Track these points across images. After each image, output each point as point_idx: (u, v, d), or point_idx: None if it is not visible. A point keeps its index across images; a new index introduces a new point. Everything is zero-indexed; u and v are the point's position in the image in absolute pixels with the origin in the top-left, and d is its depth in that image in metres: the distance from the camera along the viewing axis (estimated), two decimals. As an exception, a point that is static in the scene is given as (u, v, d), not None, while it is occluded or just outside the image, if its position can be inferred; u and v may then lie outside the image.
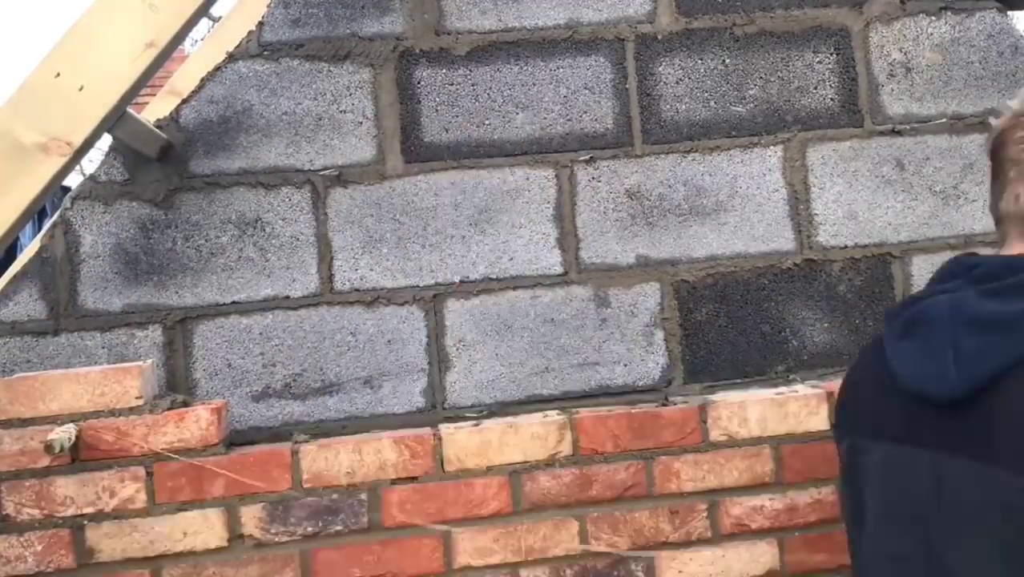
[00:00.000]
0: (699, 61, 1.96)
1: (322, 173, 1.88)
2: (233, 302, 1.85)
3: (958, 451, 1.05)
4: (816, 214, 1.97)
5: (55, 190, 1.72)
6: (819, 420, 1.75)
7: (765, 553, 1.73)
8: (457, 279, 1.90)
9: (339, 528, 1.64)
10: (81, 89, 1.63)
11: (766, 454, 1.74)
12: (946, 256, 1.99)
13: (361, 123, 1.89)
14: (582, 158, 1.93)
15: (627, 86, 1.95)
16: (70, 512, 1.58)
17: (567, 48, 1.94)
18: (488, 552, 1.67)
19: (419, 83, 1.90)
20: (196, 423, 1.61)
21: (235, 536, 1.62)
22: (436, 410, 1.87)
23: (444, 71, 1.91)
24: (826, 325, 1.96)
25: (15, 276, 1.86)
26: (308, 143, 1.88)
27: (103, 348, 1.81)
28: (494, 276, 1.91)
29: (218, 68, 1.87)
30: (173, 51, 1.73)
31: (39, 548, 1.57)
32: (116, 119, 1.68)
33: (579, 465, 1.70)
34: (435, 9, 1.91)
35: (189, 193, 1.85)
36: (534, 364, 1.89)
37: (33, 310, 1.80)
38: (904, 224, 1.99)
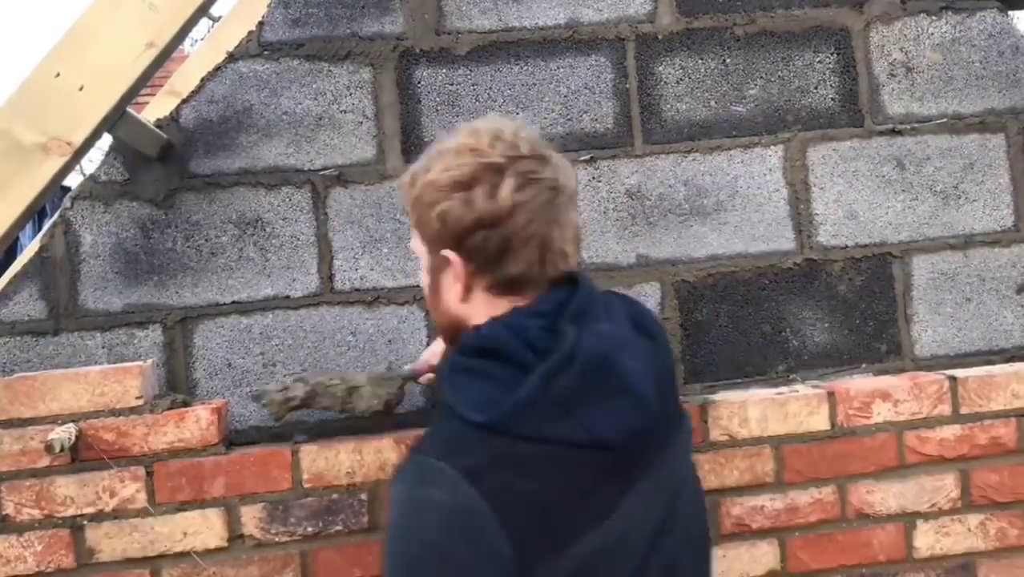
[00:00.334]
0: (699, 61, 1.96)
1: (322, 173, 1.88)
2: (233, 302, 1.85)
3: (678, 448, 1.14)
4: (816, 214, 1.97)
5: (55, 190, 1.72)
6: (820, 420, 1.75)
7: (765, 553, 1.73)
8: (457, 279, 1.89)
9: (339, 528, 1.64)
10: (81, 89, 1.63)
11: (767, 454, 1.74)
12: (946, 256, 1.99)
13: (361, 123, 1.89)
14: (582, 158, 1.92)
15: (627, 86, 1.95)
16: (70, 512, 1.58)
17: (567, 48, 1.94)
18: (488, 552, 1.67)
19: (419, 83, 1.90)
20: (196, 423, 1.61)
21: (235, 536, 1.62)
22: (436, 409, 1.87)
23: (444, 71, 1.91)
24: (826, 325, 1.96)
25: (15, 276, 1.86)
26: (308, 143, 1.88)
27: (103, 348, 1.81)
28: (494, 276, 1.90)
29: (218, 68, 1.87)
30: (173, 51, 1.73)
31: (39, 548, 1.57)
32: (116, 119, 1.68)
33: (579, 465, 1.70)
34: (435, 9, 1.91)
35: (189, 193, 1.85)
36: (534, 364, 1.89)
37: (33, 310, 1.80)
38: (904, 224, 1.99)
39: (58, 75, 1.64)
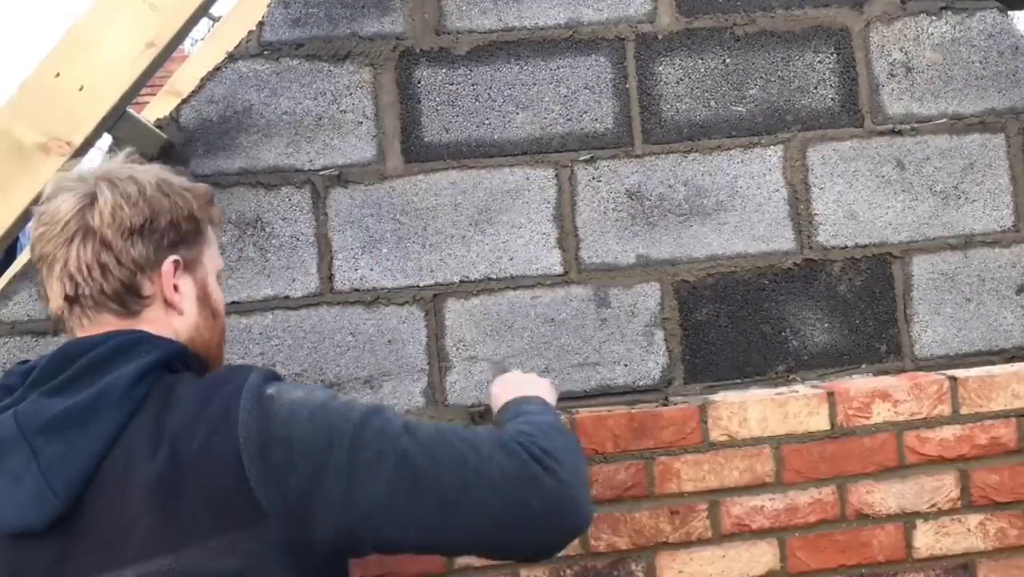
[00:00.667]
0: (699, 61, 1.96)
1: (322, 173, 1.88)
2: (233, 302, 1.85)
3: (86, 573, 0.89)
4: (816, 214, 1.97)
5: (55, 190, 1.71)
6: (819, 420, 1.75)
7: (765, 553, 1.73)
8: (457, 279, 1.90)
9: (339, 528, 1.64)
10: (81, 89, 1.63)
11: (766, 454, 1.74)
12: (946, 256, 1.99)
13: (361, 123, 1.89)
14: (582, 158, 1.92)
15: (627, 86, 1.95)
16: (70, 512, 1.58)
17: (567, 48, 1.94)
18: (488, 552, 1.67)
19: (419, 83, 1.90)
20: (196, 423, 1.61)
21: (235, 536, 1.62)
22: (436, 409, 1.87)
23: (444, 71, 1.91)
24: (826, 325, 1.96)
25: (15, 276, 1.86)
26: (308, 143, 1.88)
27: (103, 348, 1.81)
28: (494, 276, 1.91)
29: (218, 68, 1.87)
30: (173, 51, 1.73)
31: (39, 548, 1.57)
32: (116, 119, 1.68)
33: (579, 465, 1.70)
34: (435, 9, 1.91)
35: (189, 193, 1.84)
36: (534, 364, 1.89)
37: (33, 310, 1.80)
38: (904, 224, 1.99)
39: (58, 75, 1.64)
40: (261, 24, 1.88)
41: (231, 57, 1.87)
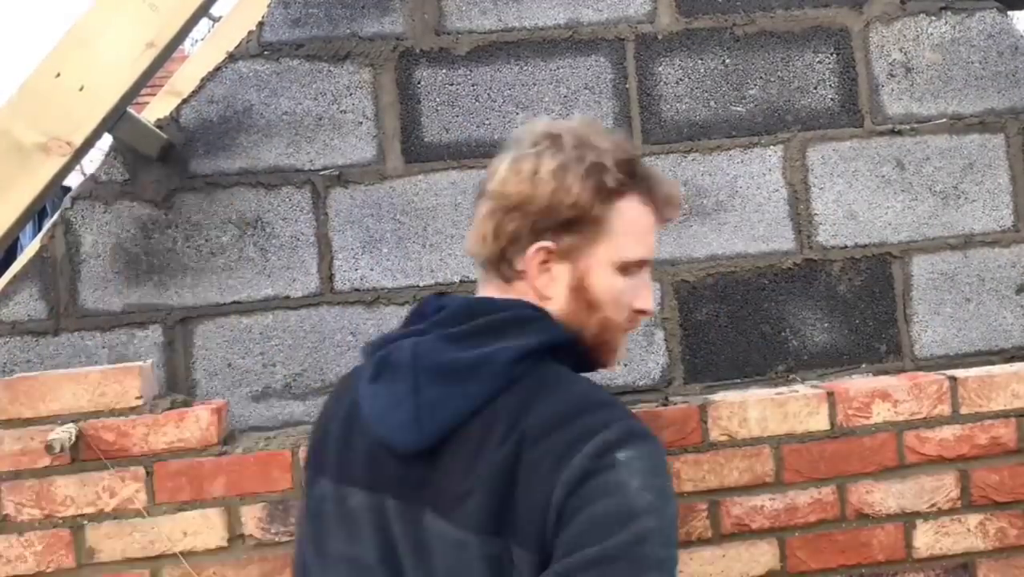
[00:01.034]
0: (699, 61, 1.96)
1: (322, 173, 1.88)
2: (233, 302, 1.85)
3: (423, 504, 0.98)
4: (816, 214, 1.97)
5: (55, 190, 1.72)
6: (819, 420, 1.75)
7: (765, 553, 1.73)
8: (457, 279, 1.90)
9: (339, 528, 1.64)
10: (81, 89, 1.63)
11: (766, 454, 1.74)
12: (946, 256, 1.99)
13: (361, 123, 1.89)
14: (582, 158, 1.92)
15: (627, 86, 1.95)
16: (70, 512, 1.58)
17: (567, 48, 1.94)
18: (488, 552, 1.67)
19: (419, 83, 1.90)
20: (196, 423, 1.61)
21: (235, 536, 1.62)
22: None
23: (444, 71, 1.91)
24: (826, 325, 1.96)
25: (15, 276, 1.86)
26: (308, 143, 1.88)
27: (103, 348, 1.81)
28: (494, 276, 1.90)
29: (218, 68, 1.87)
30: (173, 51, 1.73)
31: (39, 548, 1.57)
32: (116, 119, 1.68)
33: (579, 465, 1.70)
34: (435, 9, 1.91)
35: (189, 193, 1.85)
36: (534, 364, 1.89)
37: (33, 310, 1.80)
38: (904, 224, 1.99)
39: (58, 75, 1.64)
40: (261, 24, 1.88)
41: (231, 57, 1.87)
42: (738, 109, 1.97)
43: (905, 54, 2.01)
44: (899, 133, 1.99)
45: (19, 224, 1.64)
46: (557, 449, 0.92)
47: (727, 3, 1.97)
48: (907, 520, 1.76)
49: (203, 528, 1.61)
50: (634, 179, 1.06)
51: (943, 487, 1.76)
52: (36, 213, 1.78)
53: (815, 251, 1.97)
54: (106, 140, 1.81)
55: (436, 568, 0.97)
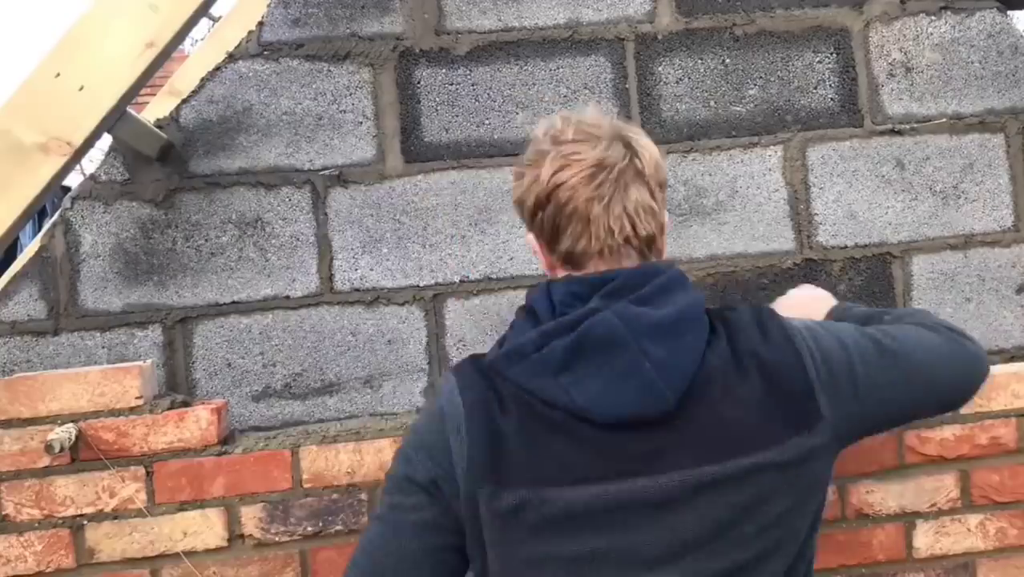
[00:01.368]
0: (699, 61, 1.96)
1: (322, 173, 1.88)
2: (233, 302, 1.85)
3: (700, 460, 1.01)
4: (816, 214, 1.97)
5: (55, 190, 1.72)
6: (819, 420, 1.74)
7: (765, 553, 1.73)
8: (457, 279, 1.90)
9: (339, 528, 1.64)
10: (81, 89, 1.63)
11: (766, 454, 1.73)
12: (946, 256, 1.99)
13: (361, 123, 1.89)
14: (582, 158, 1.92)
15: (627, 86, 1.95)
16: (70, 512, 1.58)
17: (567, 48, 1.94)
18: (488, 552, 1.67)
19: (419, 83, 1.90)
20: (196, 423, 1.61)
21: (235, 536, 1.62)
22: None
23: (444, 71, 1.91)
24: (826, 325, 1.95)
25: (15, 276, 1.86)
26: (308, 143, 1.88)
27: (103, 348, 1.81)
28: (494, 276, 1.90)
29: (218, 68, 1.87)
30: (173, 51, 1.73)
31: (39, 548, 1.57)
32: (116, 119, 1.68)
33: (579, 465, 1.70)
34: (435, 9, 1.91)
35: (189, 193, 1.85)
36: (534, 364, 1.89)
37: (33, 310, 1.80)
38: (904, 224, 1.99)
39: (58, 75, 1.64)
40: (261, 24, 1.88)
41: (231, 57, 1.87)
42: (738, 109, 1.97)
43: (905, 54, 2.00)
44: (899, 133, 1.99)
45: (19, 224, 1.64)
46: (782, 345, 1.07)
47: (727, 3, 1.97)
48: (907, 520, 1.76)
49: (203, 528, 1.61)
50: None
51: (943, 487, 1.76)
52: (36, 213, 1.78)
53: (815, 251, 1.97)
54: (106, 140, 1.81)
55: (760, 503, 1.01)
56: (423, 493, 1.07)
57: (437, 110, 1.91)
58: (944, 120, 2.01)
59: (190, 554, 1.60)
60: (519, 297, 1.90)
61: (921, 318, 1.25)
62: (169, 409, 1.63)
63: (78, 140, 1.63)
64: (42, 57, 1.66)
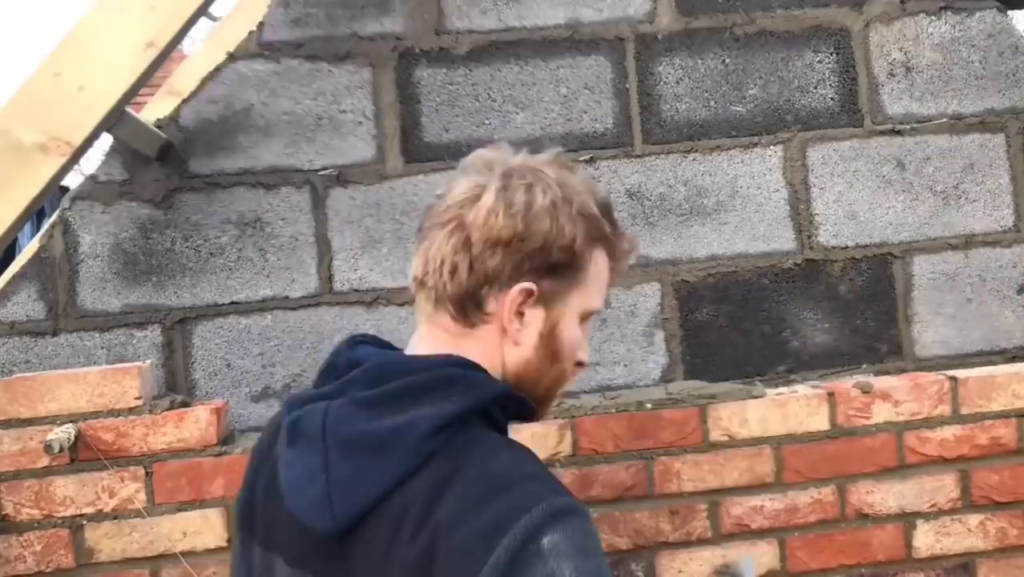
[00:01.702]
0: (699, 61, 1.96)
1: (322, 173, 1.88)
2: (232, 302, 1.85)
3: None
4: (816, 214, 1.97)
5: (55, 190, 1.71)
6: (819, 420, 1.75)
7: (765, 553, 1.73)
8: (457, 279, 1.89)
9: (339, 528, 1.64)
10: (81, 89, 1.63)
11: (766, 454, 1.73)
12: (947, 256, 1.99)
13: (361, 123, 1.89)
14: (582, 158, 1.92)
15: (627, 86, 1.95)
16: (70, 512, 1.58)
17: (567, 48, 1.93)
18: (488, 552, 1.67)
19: (419, 83, 1.90)
20: (196, 423, 1.61)
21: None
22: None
23: (444, 71, 1.91)
24: (827, 325, 1.95)
25: (14, 276, 1.85)
26: (308, 143, 1.88)
27: (102, 348, 1.81)
28: (494, 276, 1.90)
29: (218, 68, 1.87)
30: (173, 51, 1.73)
31: (39, 548, 1.57)
32: (116, 119, 1.68)
33: (579, 465, 1.70)
34: (435, 9, 1.91)
35: (189, 193, 1.85)
36: (534, 364, 1.89)
37: (32, 310, 1.79)
38: (904, 224, 1.99)
39: (58, 75, 1.64)
40: (261, 24, 1.88)
41: (231, 57, 1.87)
42: (738, 109, 1.96)
43: (905, 54, 2.00)
44: (899, 133, 1.99)
45: (18, 224, 1.64)
46: (479, 532, 0.83)
47: (727, 3, 1.96)
48: (907, 520, 1.76)
49: (203, 528, 1.61)
50: (614, 226, 1.01)
51: (943, 487, 1.76)
52: (35, 213, 1.78)
53: (816, 251, 1.97)
54: (106, 140, 1.80)
55: None
56: None
57: (437, 110, 1.90)
58: (944, 120, 2.01)
59: (189, 554, 1.59)
60: (519, 297, 1.90)
61: None
62: (168, 409, 1.63)
63: (78, 140, 1.63)
64: (42, 57, 1.66)
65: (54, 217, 1.86)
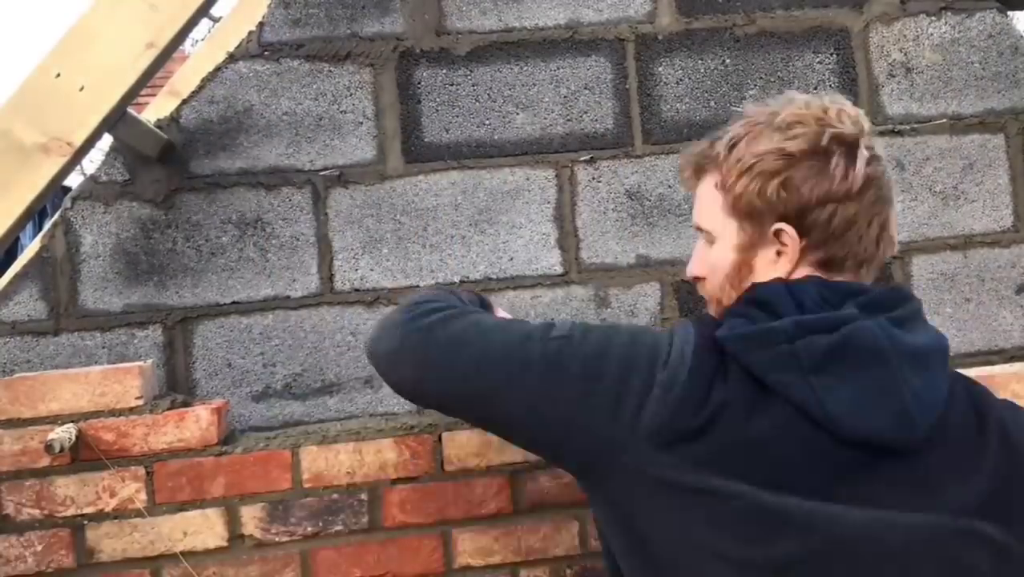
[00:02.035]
0: (699, 61, 1.96)
1: (322, 173, 1.88)
2: (233, 302, 1.85)
3: (939, 509, 0.91)
4: (816, 214, 1.97)
5: (55, 190, 1.72)
6: (819, 420, 1.75)
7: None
8: (457, 279, 1.90)
9: (339, 528, 1.64)
10: (81, 89, 1.63)
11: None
12: (946, 256, 1.99)
13: (361, 123, 1.89)
14: (582, 158, 1.93)
15: (627, 86, 1.95)
16: (70, 512, 1.58)
17: (567, 48, 1.94)
18: (488, 552, 1.67)
19: (419, 83, 1.90)
20: (196, 423, 1.61)
21: (235, 536, 1.62)
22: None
23: (444, 71, 1.91)
24: (826, 325, 1.96)
25: (15, 276, 1.86)
26: (308, 143, 1.88)
27: (103, 348, 1.81)
28: (494, 276, 1.91)
29: (218, 68, 1.87)
30: (173, 51, 1.73)
31: (39, 548, 1.57)
32: (116, 119, 1.68)
33: (579, 465, 1.70)
34: (435, 9, 1.91)
35: (189, 193, 1.85)
36: (534, 364, 1.89)
37: (33, 310, 1.80)
38: (904, 224, 1.99)
39: (58, 75, 1.64)
40: (261, 25, 1.88)
41: (231, 58, 1.87)
42: (738, 109, 1.96)
43: (905, 54, 2.01)
44: (899, 133, 1.99)
45: (19, 224, 1.64)
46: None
47: (727, 3, 1.97)
48: (907, 520, 1.75)
49: (203, 528, 1.61)
50: None
51: (943, 487, 1.76)
52: (36, 213, 1.78)
53: (815, 251, 1.97)
54: (106, 140, 1.81)
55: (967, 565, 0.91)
56: (582, 384, 0.96)
57: (437, 110, 1.91)
58: (944, 120, 2.01)
59: (190, 554, 1.60)
60: (519, 297, 1.90)
61: None
62: (169, 409, 1.63)
63: (78, 140, 1.63)
64: (42, 57, 1.66)
65: (55, 217, 1.86)
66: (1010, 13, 2.12)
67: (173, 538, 1.60)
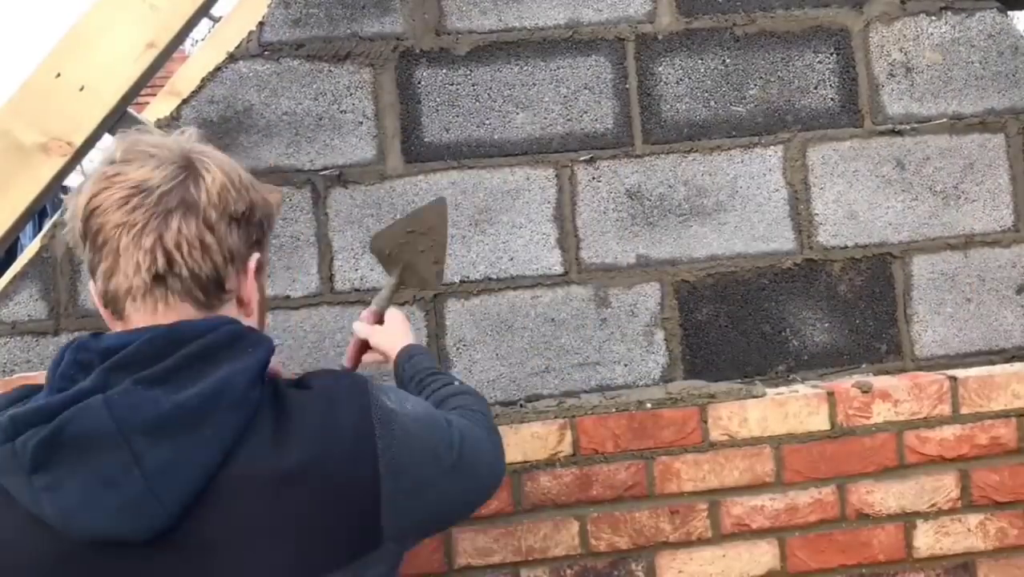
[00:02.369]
0: (699, 61, 1.96)
1: (322, 173, 1.88)
2: (233, 302, 1.85)
3: None
4: (816, 214, 1.97)
5: (56, 190, 1.72)
6: (819, 420, 1.75)
7: (765, 553, 1.73)
8: (457, 279, 1.90)
9: (339, 528, 1.64)
10: (82, 89, 1.64)
11: (766, 454, 1.74)
12: (946, 256, 1.99)
13: (361, 123, 1.89)
14: (582, 158, 1.93)
15: (627, 86, 1.95)
16: (70, 512, 1.58)
17: (567, 48, 1.94)
18: (488, 552, 1.67)
19: (419, 83, 1.90)
20: (196, 423, 1.61)
21: (235, 536, 1.62)
22: (436, 410, 1.87)
23: (444, 71, 1.91)
24: (826, 325, 1.96)
25: (15, 276, 1.86)
26: (308, 143, 1.88)
27: (103, 348, 1.81)
28: (494, 276, 1.91)
29: (218, 68, 1.87)
30: (173, 51, 1.73)
31: (39, 548, 1.57)
32: (116, 119, 1.68)
33: (579, 465, 1.70)
34: (435, 9, 1.91)
35: (189, 193, 1.85)
36: (534, 364, 1.89)
37: (33, 310, 1.80)
38: (904, 224, 1.99)
39: (59, 75, 1.64)
40: (261, 24, 1.88)
41: (231, 57, 1.87)
42: (738, 109, 1.97)
43: (905, 54, 2.01)
44: (899, 133, 1.99)
45: (19, 224, 1.65)
46: (347, 444, 0.90)
47: (727, 3, 1.97)
48: (907, 520, 1.76)
49: (203, 528, 1.61)
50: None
51: (943, 487, 1.76)
52: (36, 213, 1.78)
53: (815, 251, 1.97)
54: (106, 140, 1.81)
55: None
56: None
57: (437, 110, 1.91)
58: (944, 120, 2.01)
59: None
60: (519, 297, 1.90)
61: (475, 406, 1.21)
62: (169, 409, 1.63)
63: (79, 140, 1.63)
64: (42, 57, 1.66)
65: (55, 217, 1.86)
66: (1010, 13, 2.12)
67: (173, 538, 1.59)
